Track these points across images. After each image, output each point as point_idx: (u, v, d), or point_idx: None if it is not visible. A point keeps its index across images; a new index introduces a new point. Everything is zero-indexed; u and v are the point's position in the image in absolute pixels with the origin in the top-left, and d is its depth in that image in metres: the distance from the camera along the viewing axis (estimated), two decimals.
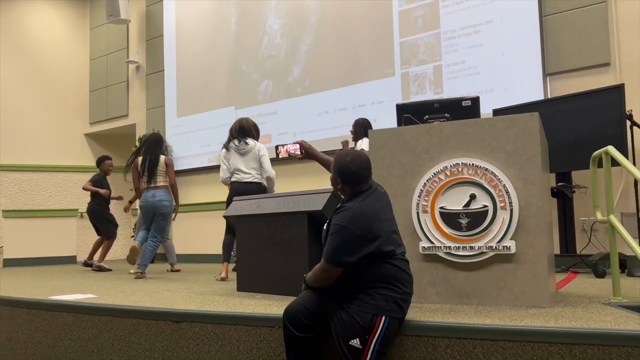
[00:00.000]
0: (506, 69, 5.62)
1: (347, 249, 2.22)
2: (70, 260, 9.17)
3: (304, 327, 2.34)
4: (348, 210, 2.28)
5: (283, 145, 3.17)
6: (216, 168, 6.64)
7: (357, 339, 2.18)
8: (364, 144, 5.10)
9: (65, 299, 3.60)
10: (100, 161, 7.27)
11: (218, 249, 6.08)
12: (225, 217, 4.16)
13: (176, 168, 7.44)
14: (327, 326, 2.32)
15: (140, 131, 9.18)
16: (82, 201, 8.37)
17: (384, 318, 2.20)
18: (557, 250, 4.76)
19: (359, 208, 2.28)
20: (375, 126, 5.86)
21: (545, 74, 5.42)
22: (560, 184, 4.81)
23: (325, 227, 2.43)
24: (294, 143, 3.10)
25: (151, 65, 9.26)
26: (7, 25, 9.72)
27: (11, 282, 5.31)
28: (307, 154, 3.04)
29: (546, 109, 4.62)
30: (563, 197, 4.85)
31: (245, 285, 3.85)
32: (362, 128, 5.35)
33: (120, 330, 3.11)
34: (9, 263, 8.92)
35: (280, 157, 3.20)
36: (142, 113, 9.34)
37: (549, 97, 5.34)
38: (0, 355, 3.78)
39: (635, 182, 4.56)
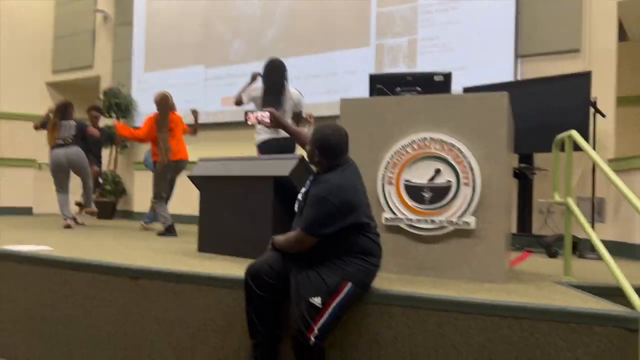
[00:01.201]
0: (479, 48, 5.65)
1: (326, 221, 2.25)
2: (27, 211, 8.93)
3: (267, 286, 2.37)
4: (328, 182, 2.30)
5: (252, 112, 3.13)
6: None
7: (319, 297, 2.22)
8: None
9: (20, 250, 3.51)
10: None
11: (187, 209, 6.00)
12: (190, 177, 4.10)
13: (138, 124, 7.27)
14: (288, 288, 2.34)
15: (105, 84, 8.92)
16: (41, 152, 8.11)
17: (350, 284, 2.25)
18: (514, 230, 4.90)
19: (338, 180, 2.30)
20: (346, 96, 5.81)
21: (517, 56, 5.48)
22: (522, 165, 4.92)
23: (300, 197, 2.45)
24: (264, 110, 3.06)
25: (120, 16, 8.93)
26: None
27: None
28: (277, 122, 3.01)
29: (515, 91, 4.65)
30: (524, 178, 4.97)
31: (206, 246, 3.84)
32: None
33: (76, 284, 3.07)
34: None
35: (249, 123, 3.16)
36: (108, 65, 9.05)
37: (519, 79, 5.41)
38: None
39: (594, 168, 4.70)
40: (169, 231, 5.33)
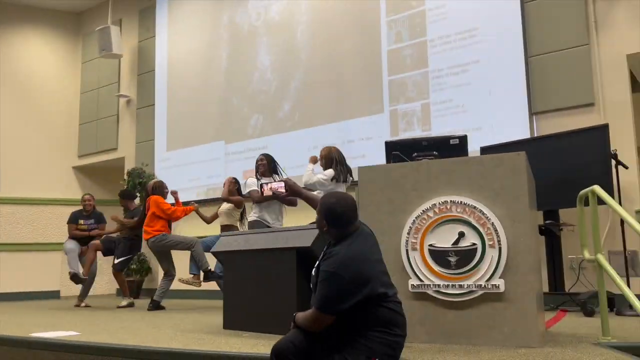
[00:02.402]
0: (493, 107, 5.71)
1: (339, 296, 2.18)
2: (54, 295, 8.98)
3: None
4: (336, 256, 2.24)
5: (267, 184, 3.18)
6: (205, 202, 6.62)
7: None
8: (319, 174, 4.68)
9: (47, 337, 3.51)
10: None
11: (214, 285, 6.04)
12: (213, 253, 4.12)
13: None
14: None
15: (129, 164, 9.15)
16: (67, 235, 8.25)
17: None
18: (545, 289, 4.75)
19: (347, 252, 2.24)
20: (363, 163, 5.87)
21: (531, 113, 5.51)
22: (547, 221, 4.84)
23: (313, 273, 2.39)
24: (279, 181, 3.11)
25: (142, 99, 9.30)
26: (0, 57, 9.75)
27: None
28: (292, 191, 3.05)
29: (533, 147, 4.68)
30: (551, 235, 4.87)
31: (232, 323, 3.79)
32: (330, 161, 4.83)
33: None
34: None
35: (265, 195, 3.21)
36: (132, 146, 9.33)
37: (535, 135, 5.42)
38: None
39: (622, 220, 4.60)
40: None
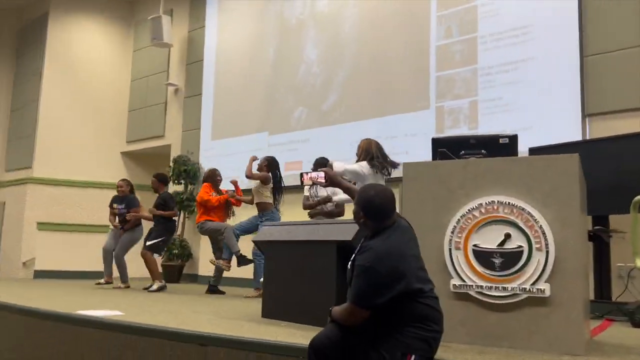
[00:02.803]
0: (544, 107, 5.56)
1: (374, 291, 2.17)
2: (99, 275, 9.26)
3: None
4: (372, 250, 2.23)
5: (307, 173, 3.18)
6: (247, 192, 6.69)
7: None
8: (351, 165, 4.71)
9: (93, 315, 3.63)
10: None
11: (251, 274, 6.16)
12: (254, 241, 4.16)
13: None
14: None
15: (175, 152, 9.35)
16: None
17: (413, 357, 2.15)
18: (591, 297, 4.61)
19: (383, 246, 2.23)
20: (406, 159, 5.78)
21: (584, 114, 5.33)
22: (597, 227, 4.68)
23: (349, 267, 2.38)
24: (319, 171, 3.11)
25: (190, 88, 9.47)
26: (54, 43, 10.10)
27: (41, 294, 5.40)
28: (332, 181, 3.03)
29: (585, 150, 4.52)
30: (599, 241, 4.71)
31: (271, 311, 3.83)
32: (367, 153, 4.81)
33: (146, 349, 3.12)
34: (40, 275, 9.09)
35: (304, 184, 3.21)
36: (178, 134, 9.52)
37: (588, 137, 5.24)
38: None
39: None
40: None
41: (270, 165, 6.06)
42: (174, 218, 6.83)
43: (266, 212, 5.93)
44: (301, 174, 3.21)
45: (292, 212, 6.30)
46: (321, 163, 5.18)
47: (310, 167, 5.22)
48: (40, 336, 3.77)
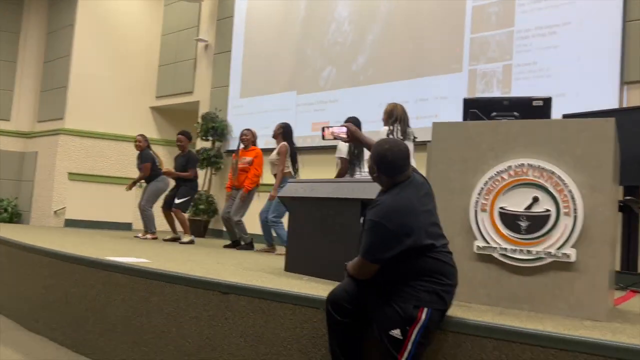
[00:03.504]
0: (580, 74, 5.39)
1: (382, 245, 2.19)
2: (126, 227, 9.51)
3: (346, 312, 2.34)
4: (382, 205, 2.24)
5: (328, 127, 3.14)
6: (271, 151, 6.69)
7: (398, 330, 2.16)
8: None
9: (121, 261, 3.73)
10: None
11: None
12: (279, 197, 4.20)
13: (234, 147, 7.59)
14: (367, 314, 2.31)
15: (204, 109, 9.39)
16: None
17: (426, 309, 2.18)
18: (617, 267, 4.55)
19: (392, 202, 2.23)
20: (437, 121, 5.73)
21: (622, 82, 5.16)
22: (627, 197, 4.58)
23: (362, 222, 2.40)
24: (341, 126, 3.08)
25: (219, 45, 9.43)
26: None
27: (71, 240, 5.56)
28: (353, 137, 3.02)
29: (621, 119, 4.37)
30: (629, 212, 4.62)
31: (294, 266, 3.88)
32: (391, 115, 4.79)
33: (170, 295, 3.21)
34: (70, 223, 9.36)
35: (325, 138, 3.18)
36: (207, 91, 9.54)
37: (625, 106, 5.09)
38: (56, 307, 3.97)
39: None
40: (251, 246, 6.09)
41: (286, 132, 5.96)
42: (195, 177, 6.90)
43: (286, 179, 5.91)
44: (323, 128, 3.17)
45: (317, 172, 6.31)
46: (353, 122, 5.09)
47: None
48: (72, 279, 3.90)
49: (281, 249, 5.43)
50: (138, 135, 7.28)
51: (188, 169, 6.70)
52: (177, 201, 6.66)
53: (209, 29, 9.68)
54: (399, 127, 4.59)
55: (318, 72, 7.76)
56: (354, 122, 5.01)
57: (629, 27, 5.17)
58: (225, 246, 6.31)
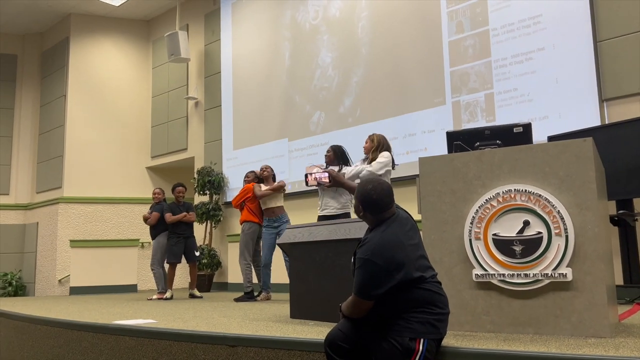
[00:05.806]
0: (560, 95, 5.53)
1: (374, 282, 2.24)
2: (132, 288, 9.47)
3: (344, 352, 2.36)
4: (370, 243, 2.30)
5: (311, 174, 3.23)
6: None
7: None
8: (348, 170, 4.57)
9: (128, 324, 3.75)
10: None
11: (282, 278, 6.20)
12: (279, 244, 4.25)
13: (231, 199, 7.67)
14: (366, 351, 2.33)
15: (199, 164, 9.53)
16: (143, 231, 8.71)
17: (422, 340, 2.21)
18: (619, 281, 4.57)
19: (380, 239, 2.29)
20: (425, 156, 5.83)
21: (601, 100, 5.30)
22: (621, 211, 4.65)
23: (352, 260, 2.45)
24: (323, 171, 3.17)
25: (209, 100, 9.65)
26: (76, 64, 10.43)
27: (77, 308, 5.56)
28: (335, 181, 3.10)
29: (604, 135, 4.52)
30: (625, 225, 4.67)
31: (298, 312, 3.90)
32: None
33: (179, 353, 3.22)
34: (75, 291, 9.31)
35: (309, 184, 3.26)
36: (201, 146, 9.70)
37: (607, 122, 5.21)
38: None
39: None
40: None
41: (273, 174, 6.38)
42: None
43: (282, 214, 6.08)
44: (306, 175, 3.26)
45: (305, 216, 6.45)
46: (336, 150, 5.08)
47: (324, 154, 5.12)
48: (80, 347, 3.91)
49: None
50: (156, 189, 7.54)
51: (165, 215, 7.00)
52: (197, 253, 7.10)
53: (198, 86, 9.92)
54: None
55: (307, 117, 7.93)
56: (337, 150, 4.94)
57: (600, 46, 5.35)
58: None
